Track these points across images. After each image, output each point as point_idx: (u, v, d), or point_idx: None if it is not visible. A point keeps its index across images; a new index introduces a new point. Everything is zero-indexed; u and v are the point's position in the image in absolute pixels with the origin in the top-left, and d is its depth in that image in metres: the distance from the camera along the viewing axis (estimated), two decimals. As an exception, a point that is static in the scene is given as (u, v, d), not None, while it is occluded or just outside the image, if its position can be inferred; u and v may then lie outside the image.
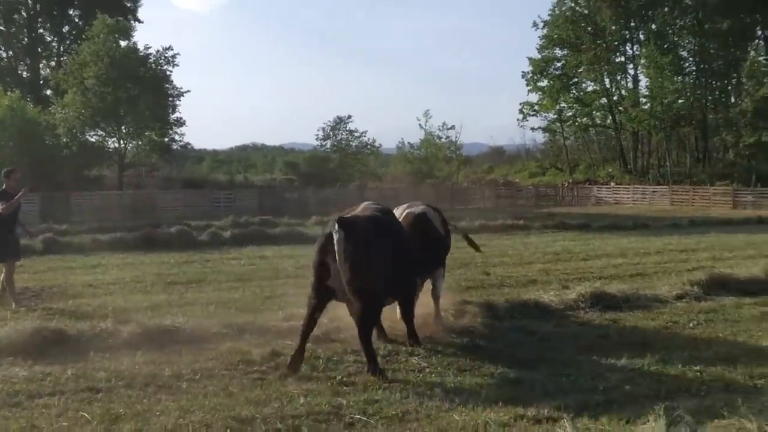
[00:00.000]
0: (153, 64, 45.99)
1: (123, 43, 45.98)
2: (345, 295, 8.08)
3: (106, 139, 47.17)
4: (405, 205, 10.60)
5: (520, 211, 40.24)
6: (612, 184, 56.44)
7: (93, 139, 46.52)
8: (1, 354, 8.19)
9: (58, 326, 8.98)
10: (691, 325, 10.49)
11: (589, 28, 62.93)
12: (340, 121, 53.98)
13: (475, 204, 49.19)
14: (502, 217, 31.48)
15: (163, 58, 46.89)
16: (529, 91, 67.57)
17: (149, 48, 46.97)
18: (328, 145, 54.36)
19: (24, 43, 60.25)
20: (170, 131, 47.65)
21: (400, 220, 10.02)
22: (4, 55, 60.80)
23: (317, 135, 54.54)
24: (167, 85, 46.18)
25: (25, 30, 60.29)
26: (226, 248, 21.84)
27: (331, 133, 54.09)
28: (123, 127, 45.62)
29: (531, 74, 67.09)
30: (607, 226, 29.05)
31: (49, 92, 55.39)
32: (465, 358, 8.53)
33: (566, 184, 58.46)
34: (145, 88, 43.62)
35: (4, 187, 12.34)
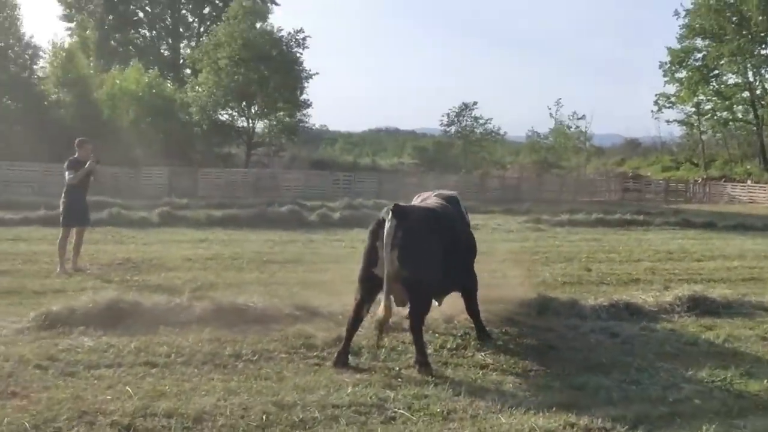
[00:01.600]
0: (285, 46, 46.86)
1: (258, 25, 46.98)
2: (389, 286, 7.78)
3: (236, 118, 48.52)
4: (430, 192, 10.09)
5: (645, 206, 38.81)
6: (748, 182, 53.63)
7: (223, 118, 47.99)
8: (75, 323, 8.42)
9: (134, 299, 9.16)
10: (793, 337, 9.76)
11: (734, 18, 59.88)
12: (465, 107, 53.65)
13: (600, 197, 47.86)
14: (621, 212, 30.39)
15: (294, 40, 47.79)
16: (666, 82, 65.12)
17: (281, 30, 47.99)
18: (452, 131, 54.15)
19: (167, 23, 62.58)
20: (298, 112, 48.45)
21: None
22: (148, 34, 63.34)
23: (441, 121, 54.43)
24: (297, 67, 46.97)
25: (169, 11, 62.59)
26: (334, 230, 22.06)
27: (456, 119, 53.87)
28: (253, 107, 46.77)
29: (669, 65, 64.57)
30: (734, 226, 27.59)
31: (187, 71, 57.31)
32: (534, 359, 8.21)
33: (699, 180, 56.03)
34: (275, 70, 44.50)
35: (76, 156, 12.87)
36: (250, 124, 48.15)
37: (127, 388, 6.39)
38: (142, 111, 43.52)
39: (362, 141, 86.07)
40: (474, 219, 26.65)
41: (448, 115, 53.77)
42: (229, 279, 12.45)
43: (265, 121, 48.50)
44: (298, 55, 47.82)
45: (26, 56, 44.66)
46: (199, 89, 45.79)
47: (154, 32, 62.88)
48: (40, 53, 45.48)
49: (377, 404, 6.38)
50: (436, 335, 8.99)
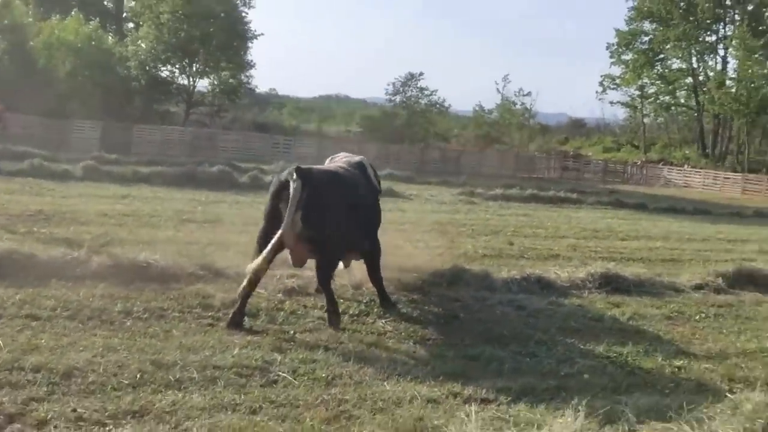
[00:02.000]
0: (229, 4, 45.83)
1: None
2: (291, 246, 7.80)
3: (177, 75, 47.60)
4: (342, 154, 10.01)
5: (581, 185, 39.09)
6: (685, 167, 54.43)
7: (164, 75, 47.04)
8: (-35, 272, 8.06)
9: (29, 250, 8.81)
10: (697, 317, 9.81)
11: (682, 3, 60.40)
12: (411, 77, 53.31)
13: (539, 174, 48.15)
14: (556, 189, 30.55)
15: (240, -1, 46.86)
16: (612, 63, 65.54)
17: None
18: (397, 101, 53.79)
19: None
20: (241, 73, 47.69)
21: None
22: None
23: (386, 90, 54.07)
24: (242, 27, 46.10)
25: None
26: (264, 192, 21.65)
27: (401, 89, 53.52)
28: (194, 65, 45.86)
29: (616, 46, 64.97)
30: (665, 209, 27.96)
31: (130, 25, 55.86)
32: (435, 328, 8.12)
33: (637, 163, 56.72)
34: (219, 28, 43.61)
35: None
36: (191, 83, 47.29)
37: (-1, 340, 6.10)
38: (79, 62, 42.34)
39: (311, 107, 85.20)
40: (409, 189, 27.01)
41: (393, 84, 53.53)
42: (142, 236, 12.07)
43: (207, 79, 47.71)
44: (243, 14, 47.03)
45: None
46: (140, 43, 44.67)
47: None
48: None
49: (261, 367, 6.22)
50: (341, 301, 8.80)
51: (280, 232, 7.60)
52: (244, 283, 7.65)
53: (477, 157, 48.41)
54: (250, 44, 48.12)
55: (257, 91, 59.12)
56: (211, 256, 10.35)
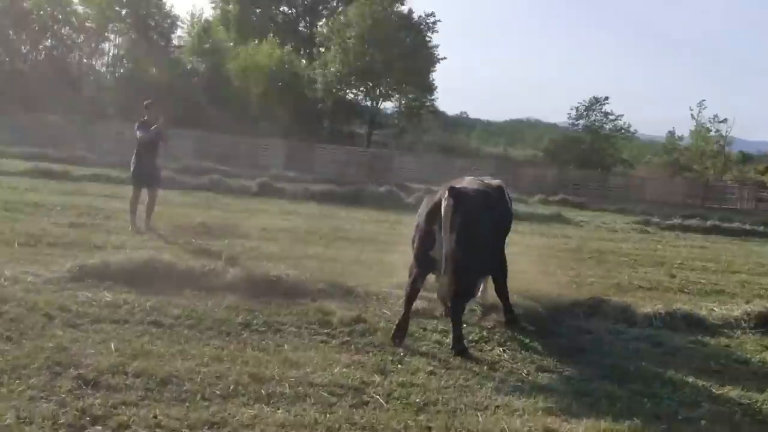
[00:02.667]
0: (414, 29, 46.63)
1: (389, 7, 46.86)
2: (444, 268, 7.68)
3: (360, 98, 48.89)
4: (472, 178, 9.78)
5: (778, 218, 36.40)
6: None
7: (349, 97, 48.39)
8: (107, 278, 8.58)
9: (170, 260, 9.27)
10: None
11: None
12: (595, 102, 51.94)
13: (730, 204, 45.40)
14: (743, 221, 28.68)
15: (424, 23, 47.56)
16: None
17: (413, 13, 47.86)
18: (581, 126, 52.56)
19: (306, 1, 63.24)
20: (422, 96, 48.31)
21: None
22: (288, 10, 64.22)
23: (569, 114, 52.96)
24: (425, 51, 46.76)
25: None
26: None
27: (584, 113, 52.23)
28: (378, 89, 46.93)
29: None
30: None
31: (322, 49, 57.98)
32: (556, 360, 7.81)
33: None
34: (402, 52, 44.43)
35: (145, 118, 13.15)
36: (374, 105, 48.33)
37: (111, 344, 6.43)
38: (271, 85, 44.40)
39: (501, 130, 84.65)
40: (581, 215, 26.25)
41: (576, 108, 52.37)
42: (291, 252, 12.43)
43: (390, 102, 48.75)
44: (427, 38, 47.63)
45: (165, 25, 46.19)
46: (328, 67, 46.25)
47: (294, 10, 63.80)
48: (178, 23, 47.07)
49: (357, 387, 6.21)
50: (464, 325, 8.69)
51: (444, 256, 7.57)
52: (409, 300, 7.90)
53: (662, 185, 46.37)
54: (433, 68, 48.74)
55: (448, 114, 59.87)
56: (347, 274, 10.50)
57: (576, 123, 52.94)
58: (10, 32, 43.02)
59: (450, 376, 6.80)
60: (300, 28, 63.69)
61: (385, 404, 5.92)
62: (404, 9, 48.76)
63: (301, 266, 10.59)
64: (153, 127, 13.04)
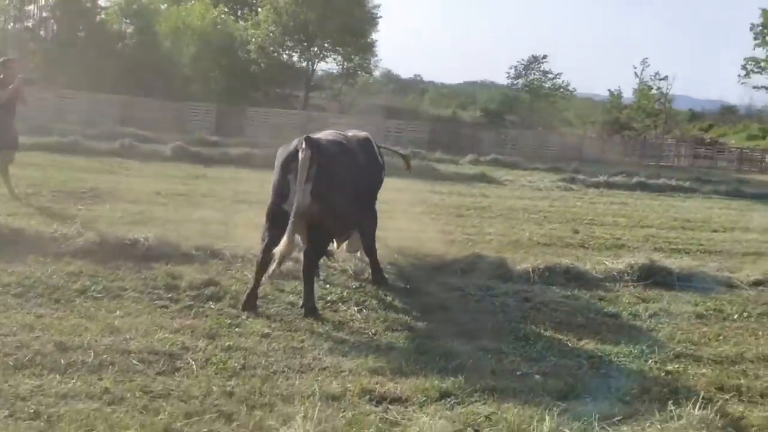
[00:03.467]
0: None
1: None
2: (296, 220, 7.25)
3: (295, 59, 48.13)
4: (333, 131, 9.48)
5: (710, 174, 36.59)
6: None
7: (284, 58, 47.51)
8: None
9: (18, 226, 8.81)
10: (735, 317, 8.74)
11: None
12: (534, 60, 51.76)
13: (667, 162, 45.76)
14: (674, 177, 28.64)
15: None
16: (756, 45, 61.41)
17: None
18: (519, 84, 52.35)
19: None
20: (358, 57, 47.62)
21: None
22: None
23: (507, 73, 52.66)
24: (360, 10, 45.93)
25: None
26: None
27: (523, 72, 52.04)
28: (312, 48, 46.13)
29: (761, 27, 60.86)
30: (793, 201, 25.72)
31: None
32: (410, 319, 7.55)
33: (778, 151, 52.89)
34: (336, 11, 43.59)
35: (1, 77, 12.43)
36: (310, 66, 47.58)
37: None
38: (203, 47, 43.41)
39: (454, 93, 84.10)
40: (508, 175, 26.09)
41: (515, 67, 52.10)
42: (176, 215, 12.01)
43: (325, 62, 48.04)
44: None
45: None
46: (261, 27, 45.26)
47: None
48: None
49: (174, 353, 5.86)
50: (328, 285, 8.41)
51: (294, 207, 7.17)
52: (260, 264, 7.38)
53: (600, 144, 46.52)
54: (372, 28, 47.97)
55: (402, 77, 59.16)
56: (227, 237, 10.10)
57: (515, 82, 52.71)
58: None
59: (285, 339, 6.48)
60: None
61: (196, 370, 5.57)
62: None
63: (180, 230, 10.20)
64: (9, 87, 12.32)
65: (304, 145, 7.21)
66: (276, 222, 7.40)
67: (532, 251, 11.85)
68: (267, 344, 6.29)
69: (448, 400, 5.43)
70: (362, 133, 9.53)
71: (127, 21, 45.99)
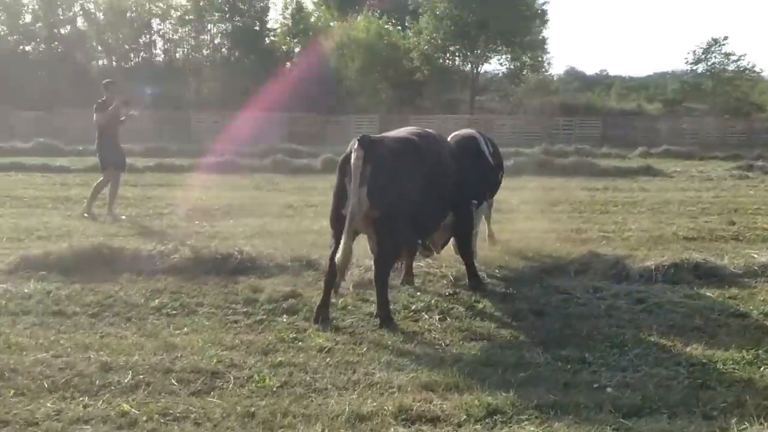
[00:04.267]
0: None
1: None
2: (352, 226, 6.87)
3: (458, 63, 47.62)
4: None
5: None
6: None
7: (447, 63, 47.11)
8: (48, 268, 8.35)
9: (118, 246, 8.96)
10: None
11: None
12: (714, 43, 48.39)
13: None
14: None
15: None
16: None
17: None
18: (699, 70, 49.11)
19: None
20: (522, 55, 46.46)
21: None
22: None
23: (685, 59, 49.51)
24: (522, 7, 44.79)
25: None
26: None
27: (703, 56, 48.77)
28: (475, 51, 45.44)
29: None
30: None
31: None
32: (500, 327, 6.98)
33: None
34: (496, 10, 42.72)
35: (103, 99, 12.74)
36: (473, 69, 46.88)
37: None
38: (368, 59, 43.85)
39: (642, 85, 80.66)
40: (679, 165, 24.40)
41: (694, 52, 48.92)
42: (296, 227, 11.97)
43: (488, 64, 47.24)
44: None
45: (256, 8, 46.36)
46: (422, 34, 45.13)
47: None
48: (270, 4, 47.25)
49: (217, 371, 5.64)
50: (418, 293, 7.98)
51: (348, 212, 6.81)
52: (328, 274, 7.08)
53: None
54: (537, 25, 46.68)
55: (587, 73, 57.39)
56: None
57: (695, 68, 49.58)
58: (108, 34, 44.36)
59: (344, 353, 6.10)
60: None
61: (231, 389, 5.30)
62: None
63: (293, 241, 10.16)
64: (109, 108, 12.67)
65: (356, 146, 6.76)
66: (338, 229, 7.01)
67: (672, 246, 10.87)
68: (321, 359, 5.94)
69: (495, 418, 4.88)
70: (467, 131, 9.19)
71: (295, 41, 47.32)
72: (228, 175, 19.91)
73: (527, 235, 11.38)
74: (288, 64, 46.44)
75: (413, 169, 7.24)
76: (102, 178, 12.94)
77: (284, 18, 47.55)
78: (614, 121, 41.23)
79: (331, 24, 49.88)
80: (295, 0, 48.01)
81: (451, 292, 8.09)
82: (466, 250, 8.38)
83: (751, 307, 7.69)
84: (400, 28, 49.05)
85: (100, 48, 45.68)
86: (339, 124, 37.05)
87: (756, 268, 9.03)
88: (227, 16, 45.73)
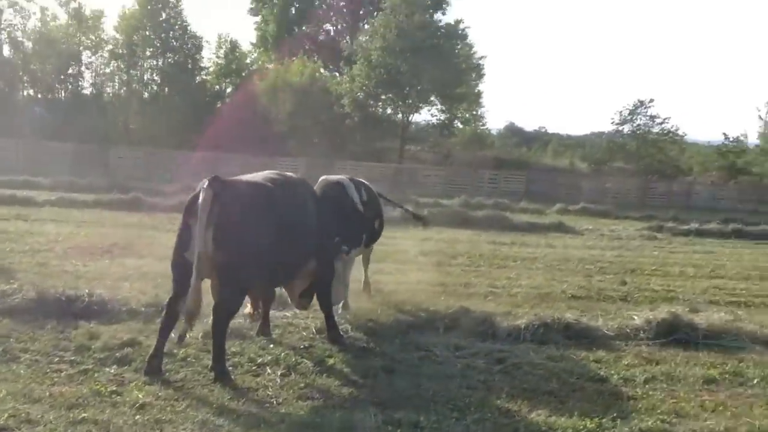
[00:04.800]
0: (440, 39, 45.00)
1: (416, 16, 45.28)
2: (200, 269, 6.41)
3: (388, 110, 47.63)
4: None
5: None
6: None
7: (378, 111, 47.11)
8: None
9: None
10: (756, 381, 7.43)
11: None
12: (640, 105, 49.38)
13: (788, 207, 42.39)
14: (770, 223, 26.24)
15: (453, 31, 45.92)
16: None
17: (440, 21, 46.43)
18: (625, 131, 50.03)
19: (347, 20, 62.26)
20: (454, 108, 46.81)
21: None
22: (331, 28, 63.36)
23: (612, 120, 50.45)
24: (454, 60, 45.14)
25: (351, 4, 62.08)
26: (406, 227, 20.50)
27: (629, 117, 49.74)
28: (408, 100, 45.55)
29: None
30: None
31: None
32: (343, 385, 6.60)
33: None
34: (428, 62, 42.97)
35: None
36: (404, 118, 46.94)
37: None
38: (300, 103, 43.58)
39: (578, 143, 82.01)
40: (591, 224, 24.51)
41: (620, 113, 49.89)
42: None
43: (418, 114, 47.43)
44: (457, 46, 45.97)
45: (188, 47, 45.91)
46: (355, 81, 45.13)
47: (336, 26, 62.91)
48: (203, 43, 46.74)
49: (6, 428, 5.14)
50: (263, 343, 7.59)
51: (195, 255, 6.37)
52: (164, 321, 6.68)
53: (711, 190, 43.73)
54: (471, 79, 47.06)
55: (525, 129, 58.39)
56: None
57: (620, 128, 50.51)
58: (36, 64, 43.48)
59: (160, 410, 5.67)
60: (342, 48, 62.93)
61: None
62: (441, 18, 47.41)
63: (164, 284, 9.61)
64: None
65: (206, 186, 6.37)
66: (179, 274, 6.59)
67: (556, 305, 10.70)
68: (130, 416, 5.50)
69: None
70: (335, 177, 8.99)
71: (227, 80, 46.93)
72: (131, 213, 19.35)
73: (413, 287, 11.15)
74: (219, 103, 45.86)
75: (264, 215, 6.85)
76: None
77: (217, 57, 47.14)
78: (538, 177, 41.61)
79: (267, 66, 49.76)
80: (229, 40, 47.67)
81: (306, 345, 7.71)
82: (324, 299, 8.04)
83: (612, 372, 7.52)
84: (336, 73, 49.09)
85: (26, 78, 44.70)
86: (259, 166, 36.49)
87: (628, 330, 8.87)
88: (159, 52, 45.06)
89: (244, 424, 5.48)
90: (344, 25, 62.25)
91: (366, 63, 44.61)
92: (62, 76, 44.23)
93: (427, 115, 50.03)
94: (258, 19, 60.59)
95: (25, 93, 44.97)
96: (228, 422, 5.51)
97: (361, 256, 10.07)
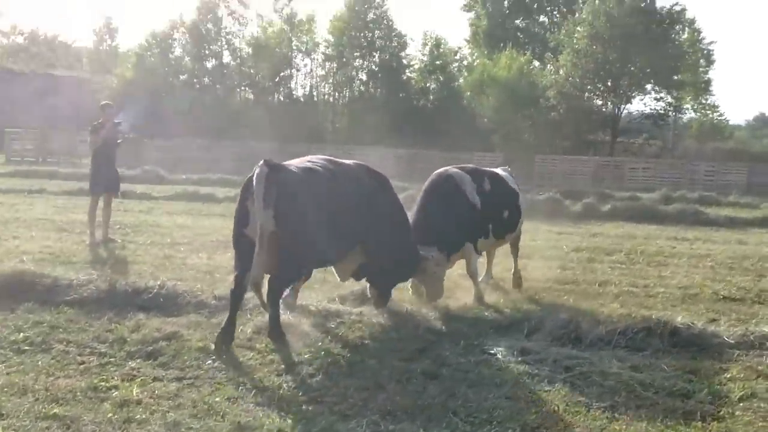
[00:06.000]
0: (656, 23, 42.15)
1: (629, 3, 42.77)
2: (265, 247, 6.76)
3: (598, 102, 45.38)
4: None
5: None
6: None
7: (586, 102, 45.01)
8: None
9: (40, 271, 8.58)
10: None
11: None
12: None
13: None
14: None
15: (670, 16, 42.98)
16: None
17: (657, 7, 43.49)
18: None
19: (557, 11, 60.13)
20: (673, 96, 43.82)
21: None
22: (546, 20, 61.58)
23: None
24: (669, 45, 42.18)
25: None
26: (586, 222, 19.28)
27: None
28: (619, 90, 43.21)
29: None
30: None
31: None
32: (379, 389, 5.99)
33: None
34: (640, 49, 40.46)
35: (99, 121, 12.49)
36: (614, 109, 44.49)
37: None
38: (505, 97, 42.60)
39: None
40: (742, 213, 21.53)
41: None
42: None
43: (630, 104, 44.86)
44: (678, 33, 42.93)
45: (393, 46, 46.39)
46: (560, 72, 43.49)
47: (548, 17, 61.03)
48: (408, 41, 47.05)
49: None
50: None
51: (258, 233, 6.71)
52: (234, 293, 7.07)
53: None
54: (696, 65, 43.92)
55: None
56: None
57: None
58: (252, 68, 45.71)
59: (129, 410, 5.31)
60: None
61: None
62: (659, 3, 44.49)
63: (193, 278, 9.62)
64: (103, 131, 12.41)
65: (262, 168, 6.74)
66: (241, 250, 6.97)
67: (693, 307, 9.46)
68: (103, 414, 5.24)
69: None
70: (449, 170, 9.24)
71: (432, 78, 46.89)
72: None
73: (535, 285, 10.41)
74: (422, 101, 46.07)
75: (314, 195, 7.18)
76: (90, 203, 12.69)
77: (422, 54, 47.25)
78: (764, 170, 37.78)
79: (476, 62, 49.34)
80: (434, 37, 47.58)
81: (358, 343, 7.11)
82: (380, 286, 8.37)
83: (704, 386, 6.31)
84: (549, 65, 47.53)
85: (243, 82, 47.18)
86: (458, 161, 35.88)
87: (752, 338, 7.52)
88: (366, 51, 45.98)
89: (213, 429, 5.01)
90: (558, 16, 60.21)
91: (573, 53, 42.87)
92: (276, 79, 46.18)
93: (640, 105, 47.17)
94: (471, 15, 60.28)
95: (241, 96, 47.36)
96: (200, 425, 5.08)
97: (509, 247, 10.58)
